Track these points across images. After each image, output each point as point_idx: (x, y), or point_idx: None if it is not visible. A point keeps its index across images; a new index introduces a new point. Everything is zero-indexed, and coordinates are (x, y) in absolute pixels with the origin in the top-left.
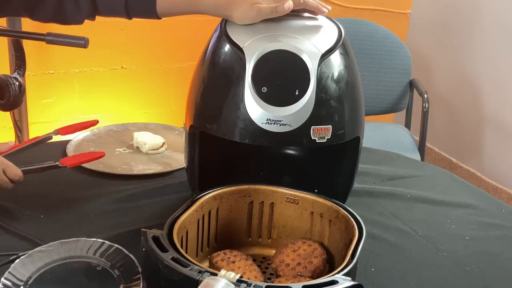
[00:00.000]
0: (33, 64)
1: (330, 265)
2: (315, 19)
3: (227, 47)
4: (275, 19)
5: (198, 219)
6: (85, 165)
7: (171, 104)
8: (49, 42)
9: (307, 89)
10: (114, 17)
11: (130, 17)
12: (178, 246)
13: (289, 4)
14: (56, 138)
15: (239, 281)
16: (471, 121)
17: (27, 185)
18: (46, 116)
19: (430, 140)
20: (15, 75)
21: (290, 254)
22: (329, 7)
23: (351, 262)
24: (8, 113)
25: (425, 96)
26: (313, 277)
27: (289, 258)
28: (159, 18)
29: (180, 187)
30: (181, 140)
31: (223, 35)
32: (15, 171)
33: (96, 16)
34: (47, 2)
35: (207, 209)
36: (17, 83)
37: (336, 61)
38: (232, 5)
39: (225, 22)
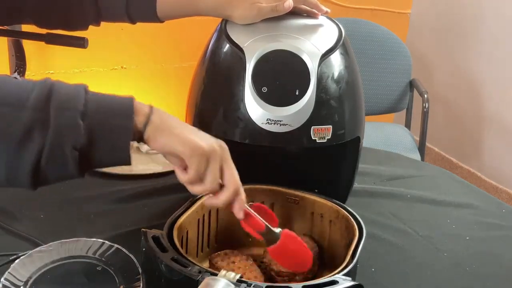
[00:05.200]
0: (33, 64)
1: (330, 265)
2: (315, 19)
3: (227, 47)
4: (275, 19)
5: (198, 219)
6: None
7: (171, 104)
8: (49, 42)
9: (307, 89)
10: (119, 22)
11: (133, 22)
12: (178, 246)
13: (289, 3)
14: None
15: (239, 281)
16: (471, 121)
17: None
18: None
19: (430, 140)
20: (15, 75)
21: None
22: (329, 10)
23: (351, 262)
24: None
25: (425, 96)
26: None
27: None
28: (161, 21)
29: (180, 187)
30: None
31: (223, 35)
32: None
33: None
34: (54, 10)
35: (207, 209)
36: None
37: (336, 61)
38: (232, 5)
39: (225, 22)
